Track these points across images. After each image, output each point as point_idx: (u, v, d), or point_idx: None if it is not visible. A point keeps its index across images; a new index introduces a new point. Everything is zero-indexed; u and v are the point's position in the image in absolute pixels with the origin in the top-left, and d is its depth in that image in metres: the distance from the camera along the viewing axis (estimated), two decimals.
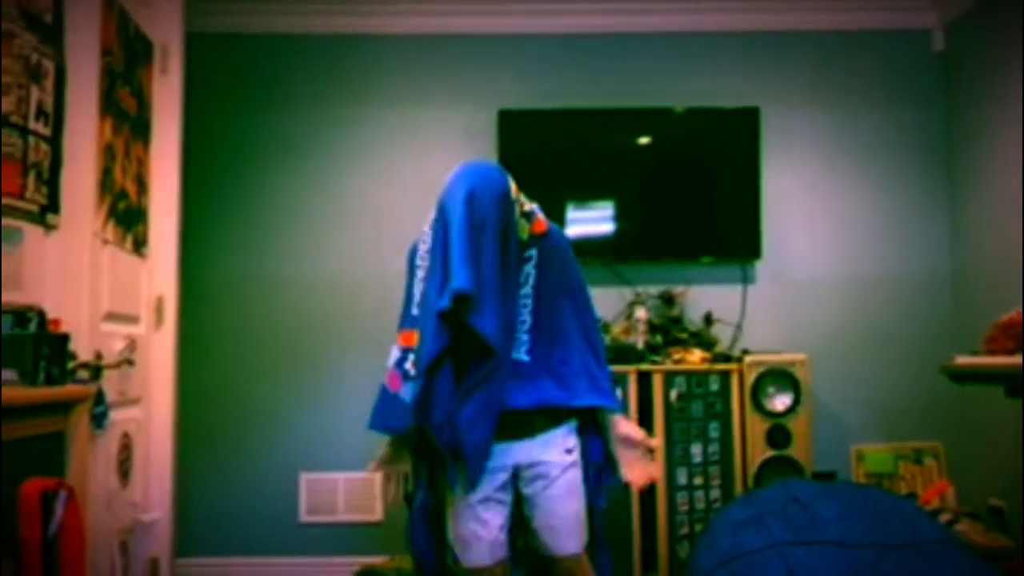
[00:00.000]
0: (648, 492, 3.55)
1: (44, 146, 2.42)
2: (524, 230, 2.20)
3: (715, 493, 3.58)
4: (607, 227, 4.02)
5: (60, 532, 1.94)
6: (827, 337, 4.03)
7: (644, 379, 3.59)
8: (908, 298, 4.09)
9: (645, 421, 3.52)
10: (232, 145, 4.08)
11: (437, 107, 4.11)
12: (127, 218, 2.95)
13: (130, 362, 2.87)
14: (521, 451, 2.21)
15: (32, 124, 2.36)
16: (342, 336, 4.01)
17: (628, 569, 3.53)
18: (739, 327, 4.03)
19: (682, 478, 3.57)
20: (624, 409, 2.74)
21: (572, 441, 2.27)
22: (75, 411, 2.23)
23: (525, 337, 2.20)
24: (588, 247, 3.82)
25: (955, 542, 2.30)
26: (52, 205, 2.46)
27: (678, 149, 4.08)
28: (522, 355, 2.19)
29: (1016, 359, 2.62)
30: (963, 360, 2.90)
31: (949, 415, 3.96)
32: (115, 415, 2.71)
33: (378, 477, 2.32)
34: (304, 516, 3.96)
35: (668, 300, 3.94)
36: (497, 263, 2.04)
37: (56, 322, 2.30)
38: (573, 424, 2.28)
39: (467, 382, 2.07)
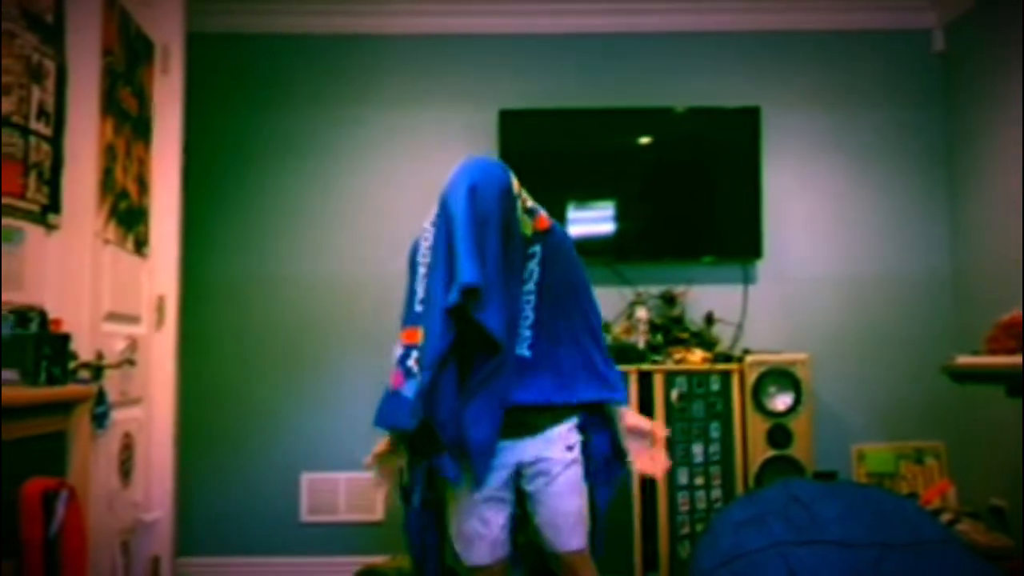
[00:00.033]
0: (649, 492, 3.55)
1: (45, 146, 2.42)
2: (527, 226, 2.20)
3: (716, 493, 3.58)
4: (608, 227, 4.02)
5: (61, 532, 1.95)
6: (828, 337, 4.03)
7: (645, 379, 3.59)
8: (909, 298, 4.09)
9: None
10: (232, 145, 4.08)
11: (437, 107, 4.12)
12: (128, 218, 2.95)
13: (131, 362, 2.87)
14: (524, 449, 2.21)
15: (33, 124, 2.36)
16: (343, 336, 4.02)
17: (629, 569, 3.53)
18: (740, 327, 4.03)
19: (683, 478, 3.57)
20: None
21: (574, 438, 2.27)
22: (76, 411, 2.23)
23: (528, 333, 2.20)
24: (589, 247, 3.81)
25: (956, 542, 2.30)
26: (53, 205, 2.46)
27: (679, 149, 4.08)
28: (524, 351, 2.20)
29: (1017, 359, 2.62)
30: (964, 360, 2.90)
31: (950, 415, 3.96)
32: (116, 415, 2.71)
33: (375, 472, 2.30)
34: (305, 516, 3.96)
35: (669, 300, 3.94)
36: (500, 258, 2.04)
37: (57, 322, 2.31)
38: (575, 421, 2.28)
39: (472, 379, 2.06)
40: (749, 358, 3.64)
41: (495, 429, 2.10)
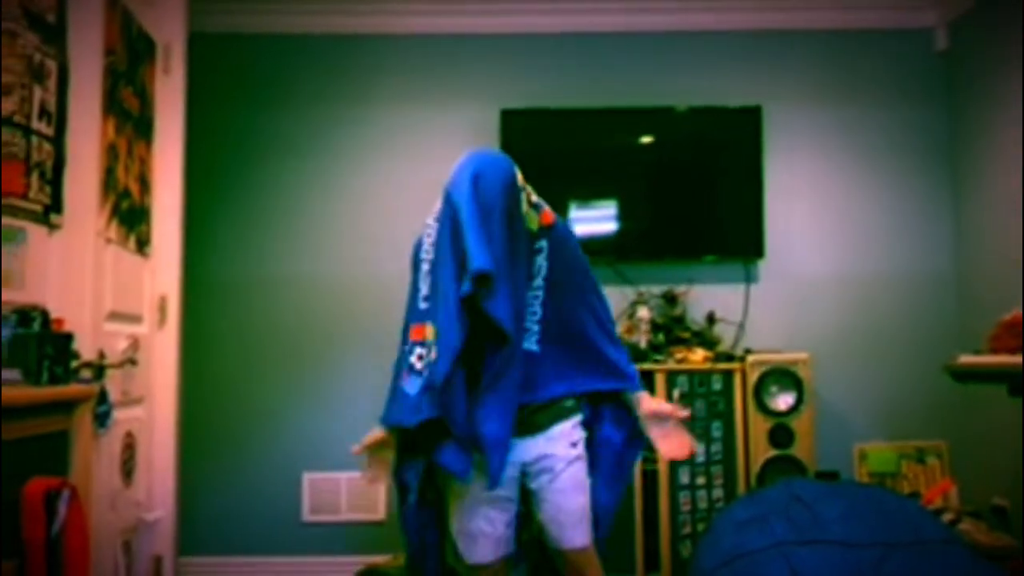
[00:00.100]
0: (651, 491, 3.55)
1: (47, 146, 2.42)
2: (533, 221, 2.20)
3: (718, 492, 3.58)
4: (610, 226, 4.02)
5: (64, 531, 1.95)
6: (830, 336, 4.03)
7: (647, 378, 3.56)
8: (911, 297, 4.08)
9: None
10: (234, 145, 4.08)
11: (439, 107, 4.12)
12: (130, 217, 2.95)
13: (133, 361, 2.87)
14: (528, 447, 2.21)
15: (35, 124, 2.36)
16: (344, 335, 4.02)
17: (631, 568, 3.53)
18: (742, 326, 4.02)
19: (684, 477, 3.57)
20: None
21: (577, 435, 2.27)
22: (78, 410, 2.23)
23: (536, 328, 2.20)
24: (591, 246, 3.77)
25: (958, 542, 2.30)
26: (55, 205, 2.47)
27: (681, 148, 4.08)
28: (533, 345, 2.19)
29: (1019, 358, 2.62)
30: (966, 359, 2.90)
31: (952, 414, 3.96)
32: (118, 414, 2.71)
33: (365, 462, 2.28)
34: (307, 515, 3.96)
35: (671, 299, 3.94)
36: (506, 249, 2.03)
37: (59, 321, 2.31)
38: (578, 417, 2.28)
39: (485, 374, 2.05)
40: (751, 357, 3.64)
41: (509, 424, 2.09)
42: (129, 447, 2.93)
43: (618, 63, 4.15)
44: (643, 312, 3.85)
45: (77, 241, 2.54)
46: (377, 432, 2.22)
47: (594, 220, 4.01)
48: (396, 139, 4.11)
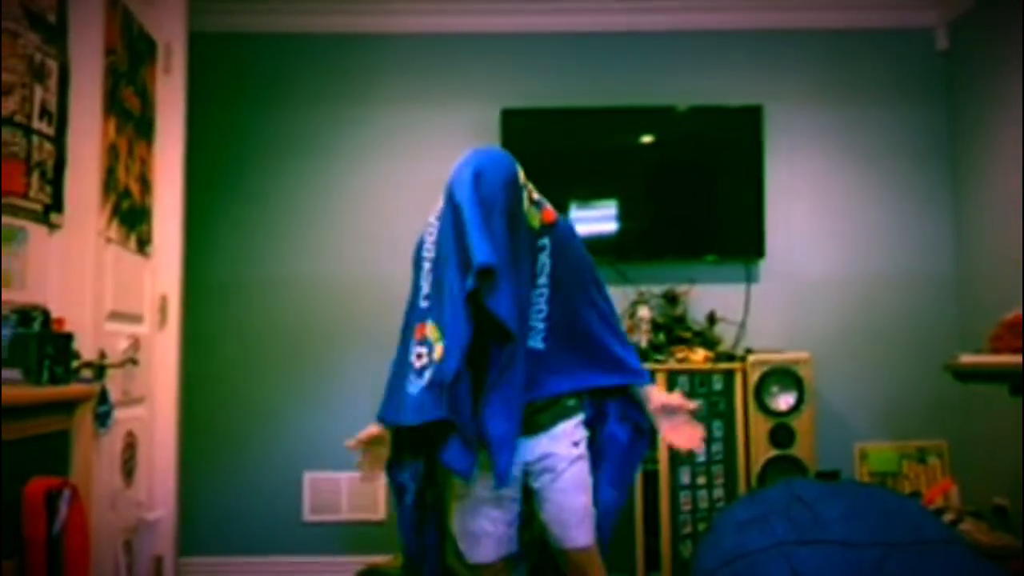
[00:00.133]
0: (651, 491, 3.55)
1: (48, 145, 2.42)
2: (535, 218, 2.20)
3: (718, 492, 3.58)
4: (610, 226, 4.01)
5: (64, 531, 1.95)
6: (830, 336, 4.03)
7: None
8: (912, 296, 4.08)
9: None
10: (234, 144, 4.08)
11: (439, 106, 4.11)
12: (131, 217, 2.95)
13: (134, 361, 2.87)
14: (531, 447, 2.20)
15: (36, 124, 2.36)
16: (344, 335, 4.02)
17: (632, 568, 3.53)
18: (742, 326, 4.02)
19: (685, 477, 3.57)
20: None
21: (579, 434, 2.26)
22: (79, 410, 2.23)
23: (541, 326, 2.20)
24: (591, 246, 3.72)
25: (959, 541, 2.30)
26: (56, 204, 2.47)
27: (681, 148, 4.08)
28: (538, 343, 2.19)
29: (1019, 357, 2.62)
30: (967, 358, 2.90)
31: (953, 414, 3.96)
32: (119, 414, 2.71)
33: (360, 458, 2.28)
34: (308, 515, 3.96)
35: (671, 299, 3.94)
36: (508, 245, 2.03)
37: (60, 321, 2.31)
38: (581, 417, 2.28)
39: (490, 372, 2.05)
40: (751, 357, 3.64)
41: (516, 422, 2.09)
42: (130, 447, 2.93)
43: (618, 63, 4.15)
44: (644, 312, 3.84)
45: (78, 241, 2.54)
46: (373, 428, 2.22)
47: (595, 220, 4.00)
48: (396, 139, 4.11)
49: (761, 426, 3.57)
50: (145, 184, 3.11)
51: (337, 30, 4.13)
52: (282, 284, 4.05)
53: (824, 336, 4.01)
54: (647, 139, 4.08)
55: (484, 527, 2.21)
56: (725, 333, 3.96)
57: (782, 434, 3.57)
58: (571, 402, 2.27)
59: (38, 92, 2.37)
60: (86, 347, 2.49)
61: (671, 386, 3.58)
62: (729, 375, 3.63)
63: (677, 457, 3.56)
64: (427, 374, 2.11)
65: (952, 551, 2.18)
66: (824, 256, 4.10)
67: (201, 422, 3.83)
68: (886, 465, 3.96)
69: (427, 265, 2.20)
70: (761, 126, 4.01)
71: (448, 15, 4.12)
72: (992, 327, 2.87)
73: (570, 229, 2.33)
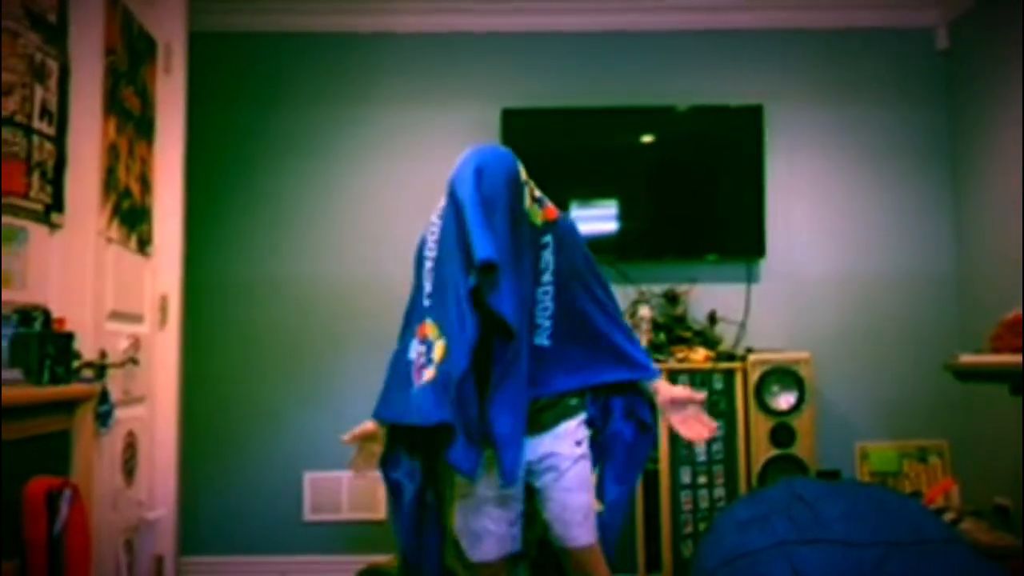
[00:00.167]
0: (652, 491, 3.55)
1: (48, 145, 2.42)
2: (537, 216, 2.20)
3: (719, 492, 3.58)
4: (611, 226, 4.01)
5: (65, 531, 1.95)
6: (831, 335, 4.03)
7: None
8: (912, 295, 4.08)
9: None
10: (235, 144, 4.08)
11: (440, 106, 4.11)
12: (131, 217, 2.95)
13: (134, 361, 2.87)
14: (534, 446, 2.20)
15: (36, 123, 2.36)
16: (345, 335, 4.02)
17: (632, 568, 3.53)
18: (743, 325, 4.02)
19: (686, 477, 3.57)
20: None
21: (582, 433, 2.26)
22: (80, 410, 2.23)
23: (547, 323, 2.20)
24: (592, 246, 3.77)
25: (960, 541, 2.30)
26: (56, 204, 2.47)
27: (682, 147, 4.08)
28: (544, 340, 2.19)
29: (1020, 357, 2.61)
30: (967, 358, 2.90)
31: (954, 413, 3.96)
32: (120, 414, 2.71)
33: (354, 453, 2.28)
34: (308, 515, 3.96)
35: (672, 299, 3.94)
36: (510, 242, 2.03)
37: (61, 321, 2.31)
38: (583, 416, 2.28)
39: (494, 371, 2.05)
40: (752, 357, 3.64)
41: (521, 420, 2.08)
42: (130, 446, 2.93)
43: (619, 62, 4.15)
44: (644, 311, 3.84)
45: (78, 241, 2.54)
46: (368, 424, 2.23)
47: (595, 219, 4.00)
48: (397, 139, 4.11)
49: (762, 426, 3.57)
50: (145, 184, 3.11)
51: (337, 30, 4.13)
52: (282, 284, 4.05)
53: (825, 335, 4.01)
54: (647, 139, 4.08)
55: (486, 526, 2.21)
56: (726, 333, 3.96)
57: (783, 434, 3.57)
58: (573, 401, 2.27)
59: (38, 92, 2.37)
60: (87, 347, 2.49)
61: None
62: (730, 375, 3.63)
63: (678, 457, 3.56)
64: (426, 373, 2.11)
65: (953, 551, 2.18)
66: (825, 255, 4.10)
67: (201, 422, 3.83)
68: (887, 465, 3.96)
69: (429, 264, 2.20)
70: (761, 126, 4.01)
71: (448, 15, 4.12)
72: (992, 327, 2.87)
73: (572, 227, 2.33)
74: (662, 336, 3.82)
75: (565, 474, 2.20)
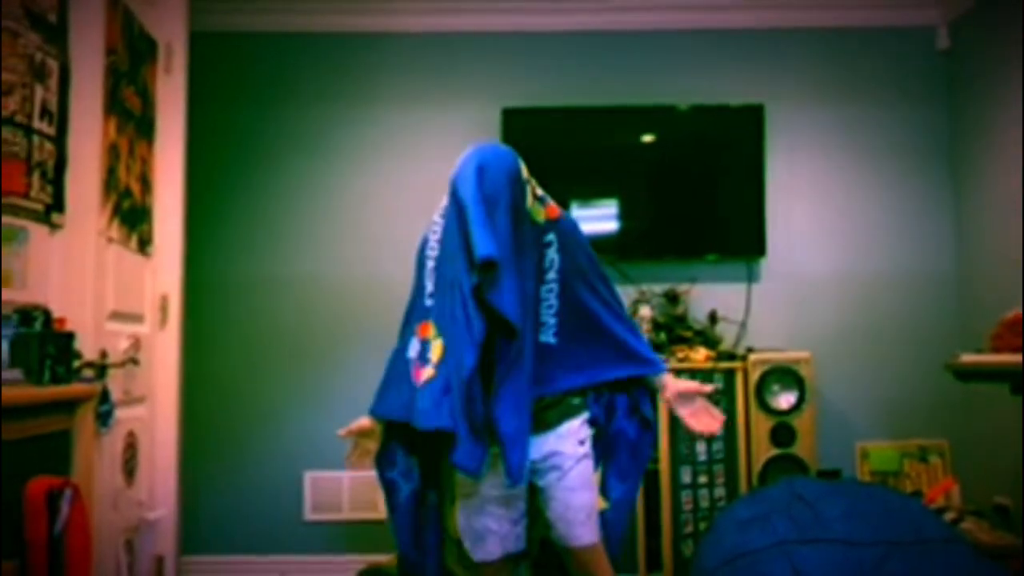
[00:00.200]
0: (653, 490, 3.55)
1: (49, 145, 2.43)
2: (539, 214, 2.20)
3: (720, 491, 3.58)
4: (611, 225, 4.01)
5: (66, 530, 1.95)
6: (831, 335, 4.03)
7: None
8: (913, 295, 4.08)
9: None
10: (235, 144, 4.08)
11: (440, 106, 4.11)
12: (132, 217, 2.95)
13: (135, 361, 2.87)
14: (538, 445, 2.20)
15: (36, 123, 2.36)
16: (346, 335, 4.02)
17: (633, 568, 3.53)
18: (743, 325, 4.02)
19: (686, 476, 3.57)
20: None
21: (585, 432, 2.26)
22: (80, 410, 2.23)
23: (552, 321, 2.20)
24: (592, 245, 3.78)
25: (960, 541, 2.30)
26: (57, 204, 2.47)
27: (682, 147, 4.08)
28: (550, 338, 2.19)
29: (1020, 356, 2.61)
30: (968, 358, 2.89)
31: (954, 413, 3.96)
32: (120, 414, 2.71)
33: (350, 448, 2.29)
34: (309, 514, 3.96)
35: (672, 298, 3.94)
36: (512, 240, 2.03)
37: (61, 321, 2.31)
38: (586, 415, 2.28)
39: (498, 370, 2.04)
40: (752, 356, 3.64)
41: (527, 419, 2.08)
42: (131, 446, 2.93)
43: (619, 62, 4.15)
44: (645, 311, 3.84)
45: (79, 240, 2.54)
46: (364, 420, 2.23)
47: (596, 219, 4.00)
48: (397, 138, 4.11)
49: (762, 425, 3.57)
50: (146, 184, 3.11)
51: (337, 29, 4.13)
52: (283, 284, 4.05)
53: (825, 335, 4.01)
54: (648, 138, 4.08)
55: (489, 525, 2.21)
56: (726, 332, 3.96)
57: (783, 433, 3.57)
58: (576, 400, 2.27)
59: (39, 92, 2.37)
60: (87, 347, 2.49)
61: None
62: (730, 374, 3.63)
63: (678, 456, 3.56)
64: (424, 372, 2.11)
65: (953, 550, 2.18)
66: (825, 255, 4.10)
67: (202, 422, 3.83)
68: (887, 464, 3.96)
69: (430, 264, 2.20)
70: (762, 125, 4.01)
71: (448, 15, 4.12)
72: (993, 326, 2.87)
73: (574, 225, 2.33)
74: (663, 336, 3.82)
75: (568, 473, 2.19)
